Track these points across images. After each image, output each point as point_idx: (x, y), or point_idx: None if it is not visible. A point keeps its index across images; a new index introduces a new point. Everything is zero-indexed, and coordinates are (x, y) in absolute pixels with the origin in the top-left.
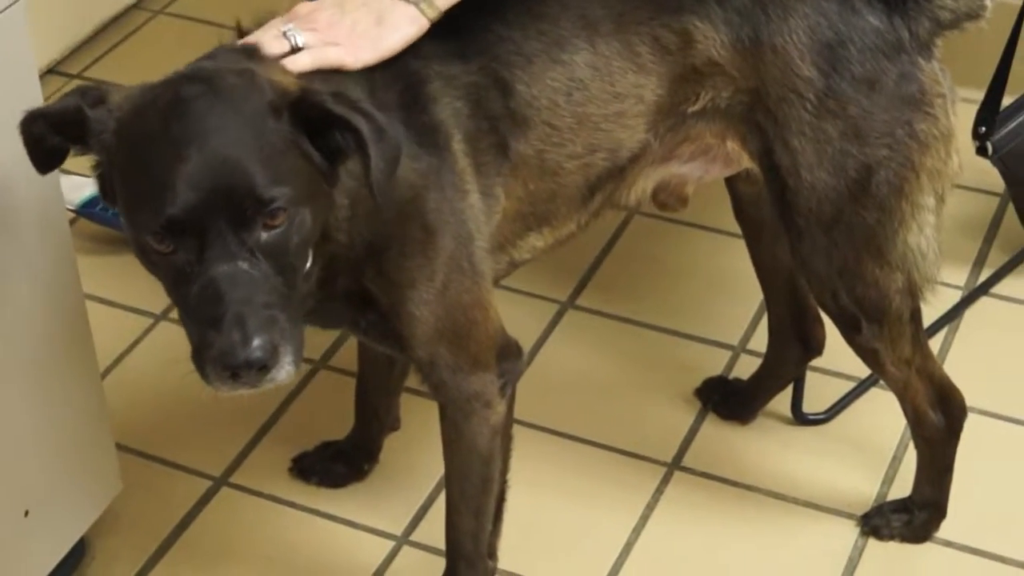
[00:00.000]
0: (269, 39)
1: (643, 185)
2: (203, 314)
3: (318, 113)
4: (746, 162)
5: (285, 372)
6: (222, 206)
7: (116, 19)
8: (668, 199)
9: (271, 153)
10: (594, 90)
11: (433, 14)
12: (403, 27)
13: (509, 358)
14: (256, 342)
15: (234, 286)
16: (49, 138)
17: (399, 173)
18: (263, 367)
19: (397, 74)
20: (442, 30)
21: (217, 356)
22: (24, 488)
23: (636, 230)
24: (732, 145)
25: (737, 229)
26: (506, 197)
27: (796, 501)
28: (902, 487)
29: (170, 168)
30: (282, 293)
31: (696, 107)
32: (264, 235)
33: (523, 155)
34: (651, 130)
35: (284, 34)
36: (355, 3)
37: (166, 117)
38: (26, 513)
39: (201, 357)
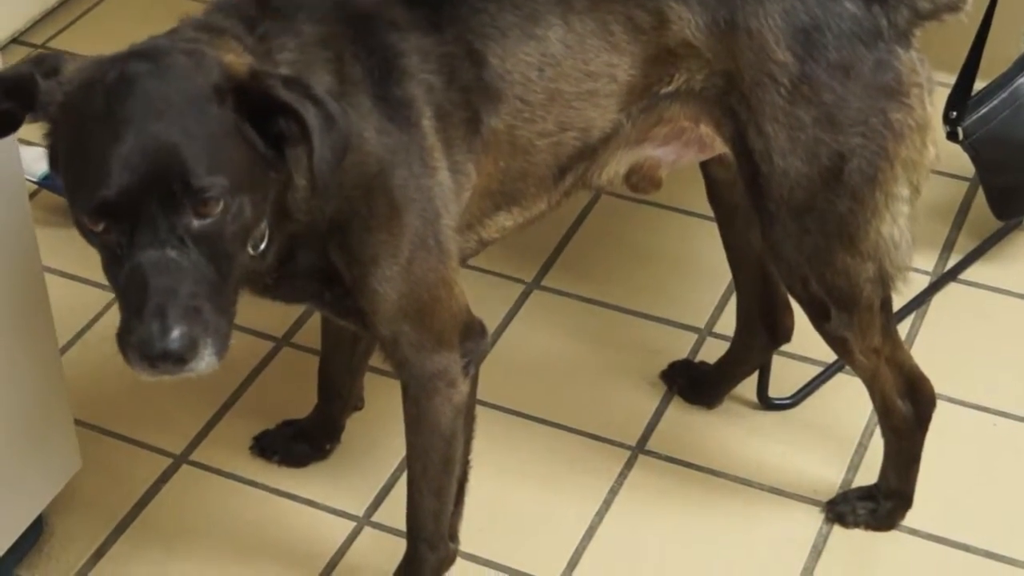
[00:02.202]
0: None
1: (615, 167)
2: (129, 299)
3: (264, 98)
4: (720, 147)
5: (205, 364)
6: (155, 192)
7: None
8: (641, 182)
9: (211, 140)
10: (567, 67)
11: None
12: None
13: (473, 337)
14: (174, 334)
15: (160, 274)
16: (2, 103)
17: (366, 147)
18: (180, 359)
19: (371, 47)
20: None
21: (136, 344)
22: None
23: (604, 210)
24: (706, 129)
25: (706, 211)
26: (477, 174)
27: (761, 487)
28: (868, 474)
29: (107, 149)
30: (212, 282)
31: (670, 88)
32: (197, 223)
33: (495, 130)
34: (623, 110)
35: None
36: None
37: (109, 95)
38: None
39: (123, 341)
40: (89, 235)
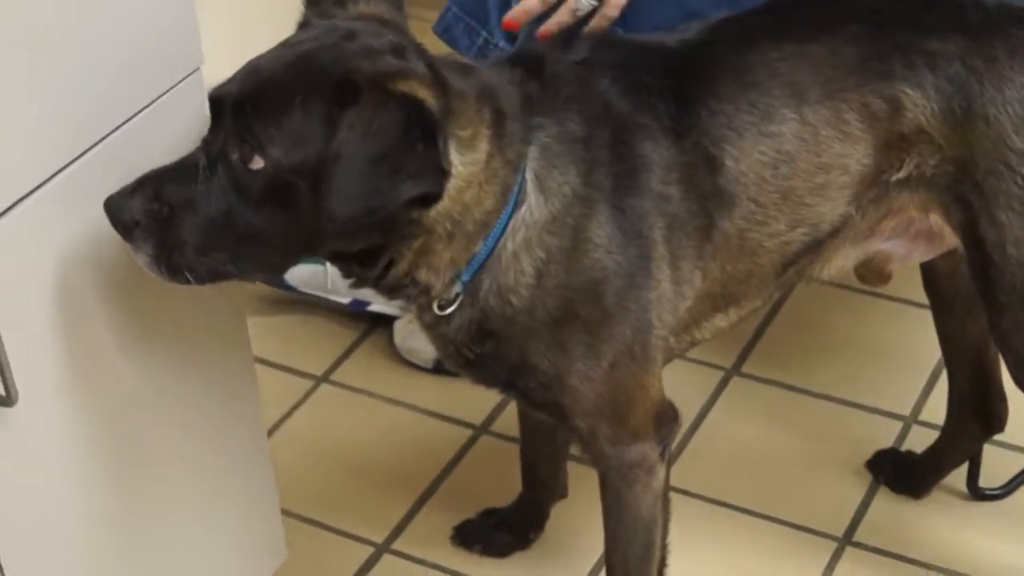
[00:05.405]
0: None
1: (842, 261)
2: None
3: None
4: (949, 239)
5: (139, 256)
6: (231, 114)
7: None
8: (869, 275)
9: (310, 121)
10: (801, 162)
11: None
12: None
13: (666, 423)
14: (127, 204)
15: (177, 168)
16: None
17: (594, 254)
18: (117, 222)
19: (622, 155)
20: (663, 106)
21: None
22: (193, 556)
23: (803, 294)
24: (935, 218)
25: (908, 295)
26: (702, 280)
27: None
28: None
29: (253, 60)
30: (209, 218)
31: (900, 175)
32: (235, 160)
33: (726, 235)
34: (853, 202)
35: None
36: None
37: (305, 35)
38: None
39: None
40: None
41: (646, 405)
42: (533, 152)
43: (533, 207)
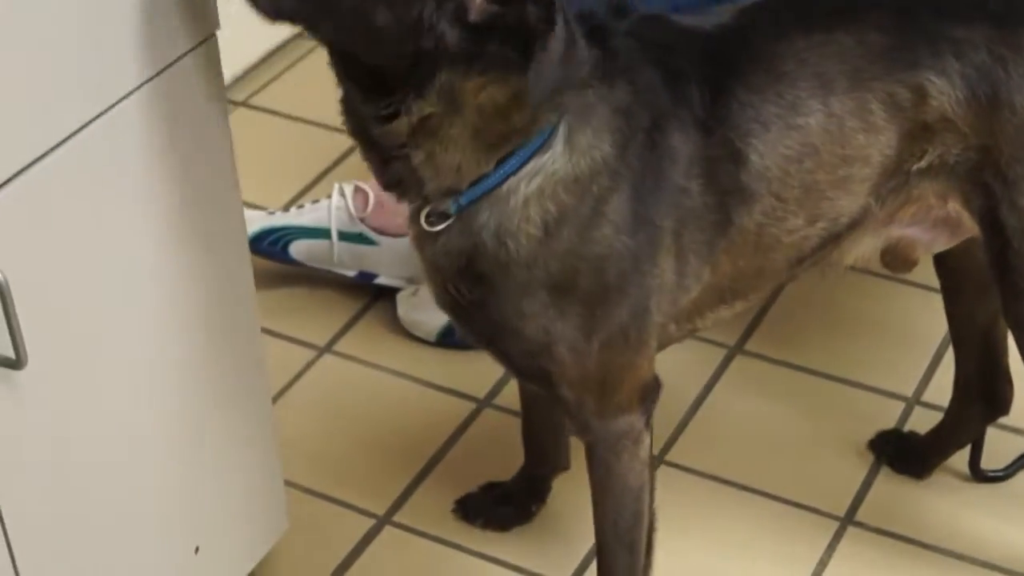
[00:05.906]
0: None
1: (859, 251)
2: None
3: None
4: (968, 225)
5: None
6: None
7: (281, 47)
8: (894, 261)
9: None
10: (825, 155)
11: None
12: None
13: (651, 395)
14: None
15: None
16: None
17: (605, 230)
18: None
19: (655, 142)
20: (698, 96)
21: None
22: (197, 525)
23: (808, 275)
24: (954, 206)
25: (913, 277)
26: (711, 275)
27: (975, 561)
28: None
29: None
30: None
31: (921, 164)
32: None
33: (743, 230)
34: (873, 193)
35: None
36: None
37: None
38: (196, 550)
39: None
40: None
41: (634, 383)
42: (575, 104)
43: (557, 157)
